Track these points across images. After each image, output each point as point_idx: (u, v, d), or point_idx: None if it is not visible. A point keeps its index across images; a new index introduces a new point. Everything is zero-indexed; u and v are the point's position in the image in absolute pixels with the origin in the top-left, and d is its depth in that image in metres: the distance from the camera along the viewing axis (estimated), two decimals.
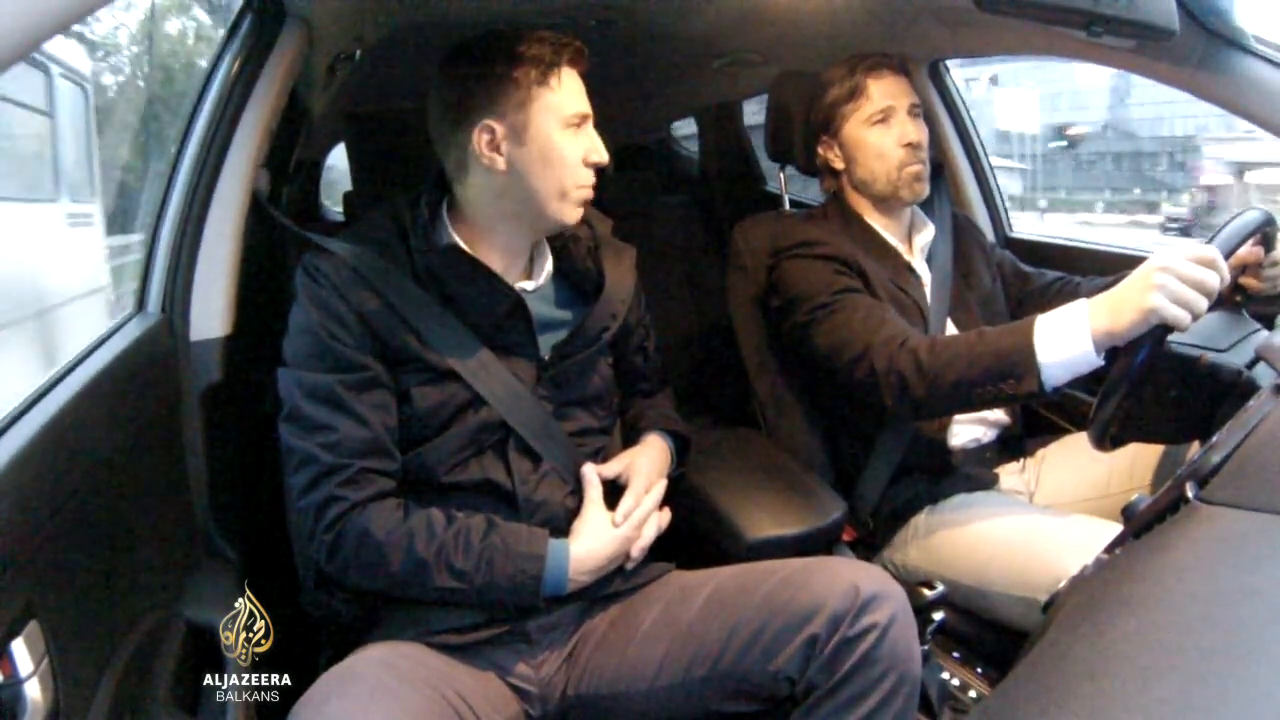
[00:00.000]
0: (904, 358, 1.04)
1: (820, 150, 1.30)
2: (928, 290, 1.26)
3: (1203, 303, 0.87)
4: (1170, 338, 0.91)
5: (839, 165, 1.28)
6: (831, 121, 1.26)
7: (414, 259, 0.90)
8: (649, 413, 1.09)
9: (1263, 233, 0.99)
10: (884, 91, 1.22)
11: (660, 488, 0.97)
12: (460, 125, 0.88)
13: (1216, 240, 0.92)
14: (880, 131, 1.22)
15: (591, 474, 0.94)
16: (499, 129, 0.88)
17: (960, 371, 0.99)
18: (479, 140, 0.88)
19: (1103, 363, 0.92)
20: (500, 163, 0.88)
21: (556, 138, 0.88)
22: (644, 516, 0.94)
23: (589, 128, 0.91)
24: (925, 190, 1.24)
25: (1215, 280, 0.87)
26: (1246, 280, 1.04)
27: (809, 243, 1.21)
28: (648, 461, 0.99)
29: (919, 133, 1.22)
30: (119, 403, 0.84)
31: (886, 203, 1.26)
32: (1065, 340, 0.93)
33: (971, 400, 1.02)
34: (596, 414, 0.99)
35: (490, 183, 0.90)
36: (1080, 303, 0.94)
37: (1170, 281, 0.86)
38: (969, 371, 0.99)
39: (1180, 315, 0.86)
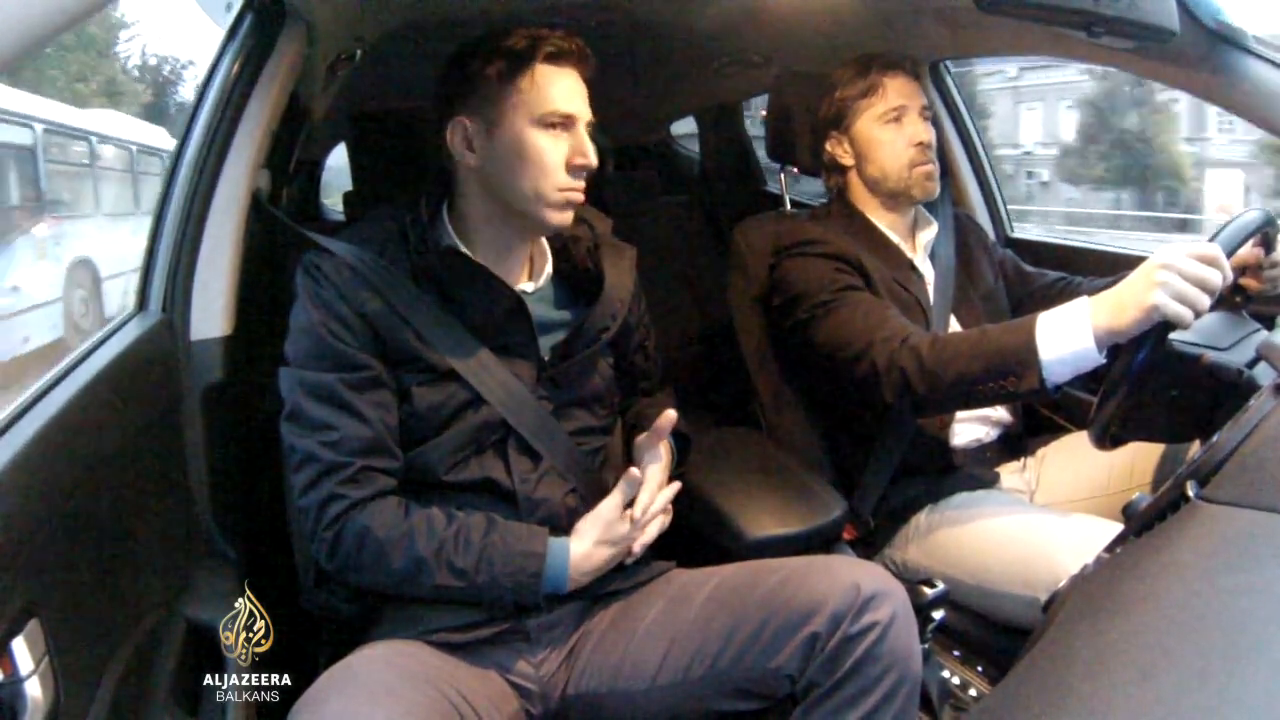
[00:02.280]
0: (906, 354, 1.04)
1: (828, 146, 1.29)
2: (930, 288, 1.26)
3: (1205, 300, 0.86)
4: (1171, 336, 0.91)
5: (848, 161, 1.28)
6: (843, 117, 1.26)
7: (414, 259, 0.90)
8: (649, 412, 1.08)
9: (1263, 233, 0.99)
10: (899, 91, 1.23)
11: (673, 488, 0.96)
12: (441, 121, 0.89)
13: (1219, 239, 0.92)
14: (893, 129, 1.23)
15: (635, 474, 0.90)
16: (469, 124, 0.88)
17: (962, 368, 0.99)
18: (451, 136, 0.88)
19: (1104, 360, 0.92)
20: (471, 159, 0.88)
21: (528, 135, 0.87)
22: (653, 516, 0.93)
23: (577, 130, 0.89)
24: (935, 189, 1.24)
25: (1218, 278, 0.87)
26: (1246, 281, 1.04)
27: (811, 241, 1.21)
28: (656, 461, 0.99)
29: (929, 134, 1.23)
30: (119, 402, 0.84)
31: (895, 200, 1.26)
32: (1067, 337, 0.92)
33: (973, 397, 1.02)
34: (596, 413, 0.99)
35: (468, 179, 0.90)
36: (1082, 300, 0.94)
37: (1173, 279, 0.86)
38: (970, 368, 0.98)
39: (1182, 312, 0.86)
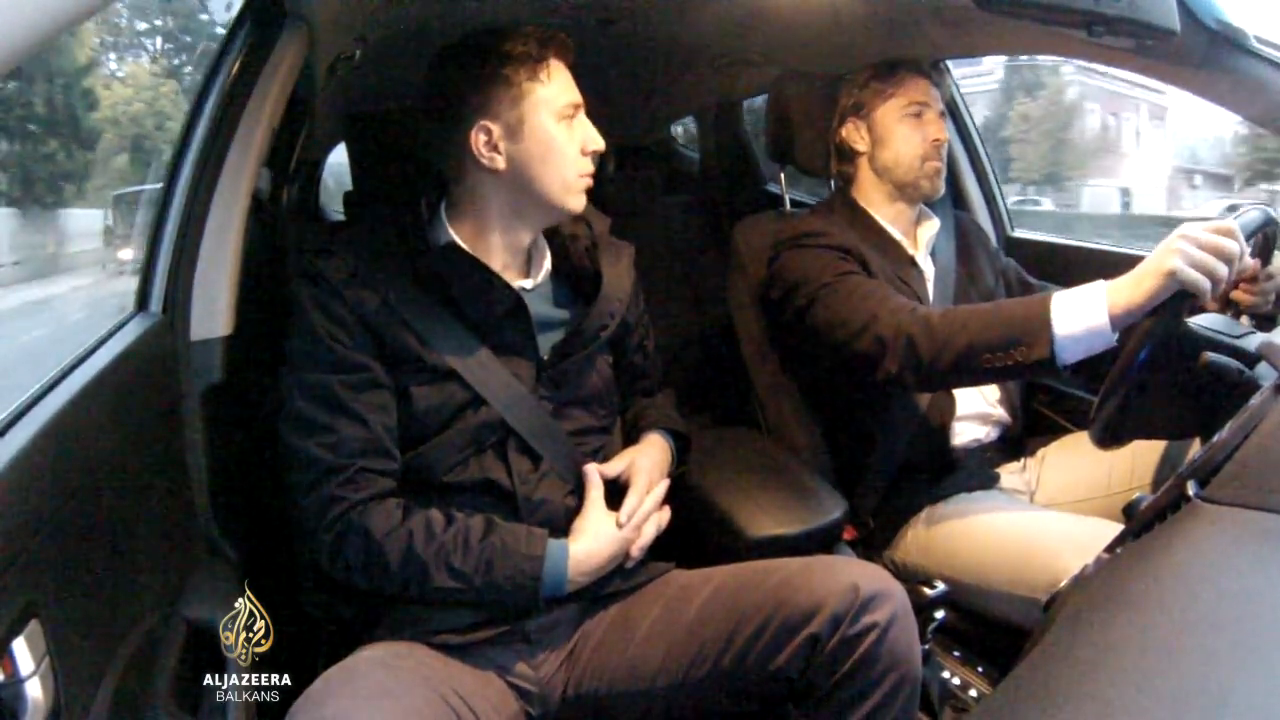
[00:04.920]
0: (915, 323, 1.03)
1: (843, 133, 1.30)
2: (930, 285, 1.26)
3: (1222, 269, 0.86)
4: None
5: (862, 147, 1.29)
6: (864, 105, 1.28)
7: (413, 259, 0.90)
8: (649, 412, 1.09)
9: (1262, 234, 0.98)
10: (921, 90, 1.26)
11: (662, 487, 0.97)
12: (456, 127, 0.89)
13: (1235, 221, 0.92)
14: (913, 123, 1.25)
15: (594, 474, 0.94)
16: (495, 128, 0.88)
17: (972, 336, 0.98)
18: (475, 141, 0.88)
19: (1116, 342, 0.91)
20: (500, 161, 0.89)
21: (553, 130, 0.89)
22: (645, 516, 0.94)
23: (582, 116, 0.92)
24: (941, 188, 1.27)
25: (1235, 248, 0.87)
26: (1239, 295, 1.03)
27: (811, 234, 1.22)
28: (649, 460, 0.99)
29: (945, 135, 1.26)
30: (120, 403, 0.84)
31: (901, 191, 1.27)
32: (1082, 313, 0.92)
33: (980, 368, 0.99)
34: (596, 413, 0.99)
35: (491, 181, 0.90)
36: (1099, 282, 0.93)
37: (1189, 248, 0.86)
38: (981, 337, 0.97)
39: (1199, 279, 0.86)
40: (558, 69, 0.90)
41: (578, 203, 0.93)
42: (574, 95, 0.91)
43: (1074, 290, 0.94)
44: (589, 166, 0.92)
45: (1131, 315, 0.90)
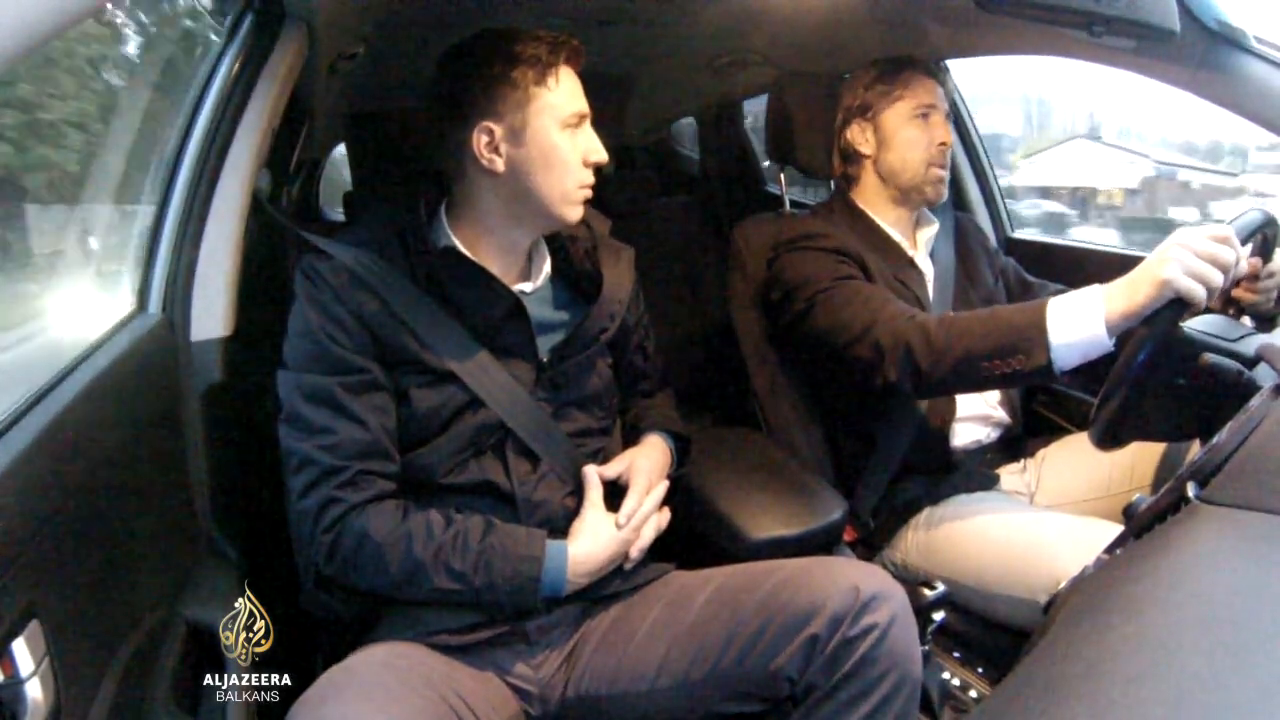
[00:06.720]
0: (913, 330, 1.03)
1: (848, 135, 1.30)
2: (930, 286, 1.26)
3: (1217, 276, 0.86)
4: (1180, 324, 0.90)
5: (867, 150, 1.28)
6: (871, 107, 1.28)
7: (412, 260, 0.90)
8: (649, 413, 1.09)
9: (1262, 234, 0.98)
10: (929, 92, 1.26)
11: (661, 489, 0.97)
12: (458, 126, 0.88)
13: (1232, 225, 0.92)
14: (920, 125, 1.25)
15: (593, 475, 0.94)
16: (497, 130, 0.87)
17: (970, 345, 0.98)
18: (477, 142, 0.88)
19: (1113, 348, 0.91)
20: (499, 164, 0.88)
21: (555, 138, 0.88)
22: (644, 518, 0.94)
23: (587, 127, 0.91)
24: (944, 194, 1.26)
25: (1230, 255, 0.87)
26: (1240, 293, 1.03)
27: (810, 235, 1.22)
28: (648, 462, 0.99)
29: (951, 138, 1.26)
30: (120, 403, 0.84)
31: (904, 195, 1.27)
32: (1078, 321, 0.92)
33: (978, 376, 0.99)
34: (596, 414, 0.99)
35: (490, 184, 0.90)
36: (1095, 287, 0.93)
37: (1185, 255, 0.86)
38: (979, 345, 0.97)
39: (1194, 288, 0.85)
40: (567, 76, 0.89)
41: (575, 213, 0.92)
42: (580, 104, 0.90)
43: (1070, 296, 0.94)
44: (589, 178, 0.91)
45: (1128, 322, 0.90)
